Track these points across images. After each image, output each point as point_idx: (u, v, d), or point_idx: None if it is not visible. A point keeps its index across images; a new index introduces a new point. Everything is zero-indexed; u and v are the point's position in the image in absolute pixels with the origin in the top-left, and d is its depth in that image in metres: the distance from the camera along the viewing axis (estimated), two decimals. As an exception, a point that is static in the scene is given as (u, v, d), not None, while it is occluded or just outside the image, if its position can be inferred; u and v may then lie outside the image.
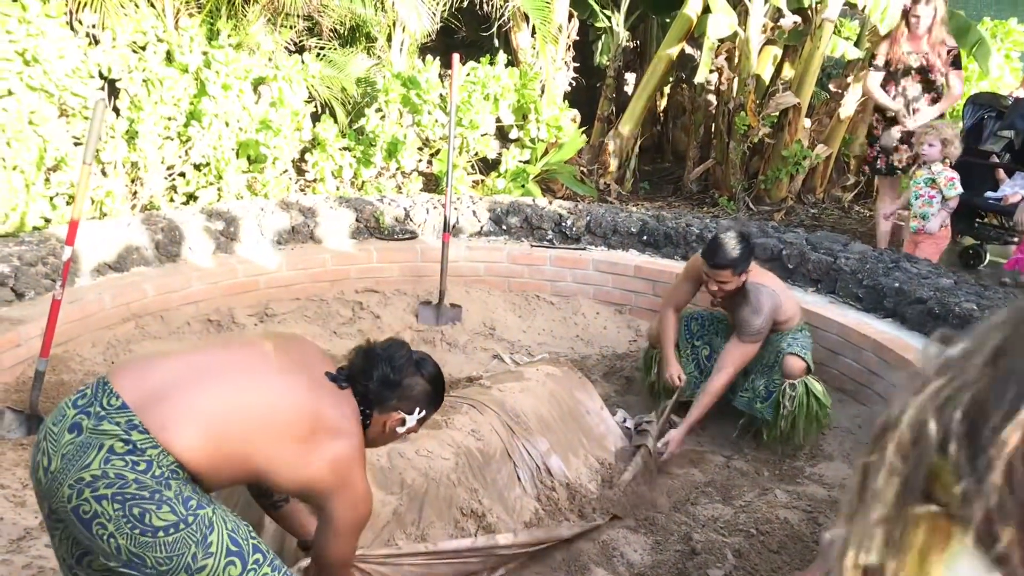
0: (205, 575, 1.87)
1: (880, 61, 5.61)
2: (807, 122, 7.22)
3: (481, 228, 5.40)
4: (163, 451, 1.86)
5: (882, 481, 0.39)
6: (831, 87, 7.38)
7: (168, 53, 5.60)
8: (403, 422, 2.25)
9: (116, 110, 5.42)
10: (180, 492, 1.87)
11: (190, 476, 1.91)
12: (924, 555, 0.36)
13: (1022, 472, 0.33)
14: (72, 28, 5.26)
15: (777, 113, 6.96)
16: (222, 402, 1.96)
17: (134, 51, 5.47)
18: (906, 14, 5.53)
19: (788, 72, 7.31)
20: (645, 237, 5.24)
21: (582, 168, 7.32)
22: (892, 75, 5.59)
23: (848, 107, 7.14)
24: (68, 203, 4.94)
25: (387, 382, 2.19)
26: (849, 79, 7.14)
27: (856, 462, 0.45)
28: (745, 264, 3.61)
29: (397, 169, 6.39)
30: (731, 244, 3.58)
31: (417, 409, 2.27)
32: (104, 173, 5.31)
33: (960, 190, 5.01)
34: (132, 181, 5.53)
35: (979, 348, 0.39)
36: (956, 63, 5.54)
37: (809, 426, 3.76)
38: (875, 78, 5.65)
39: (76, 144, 5.04)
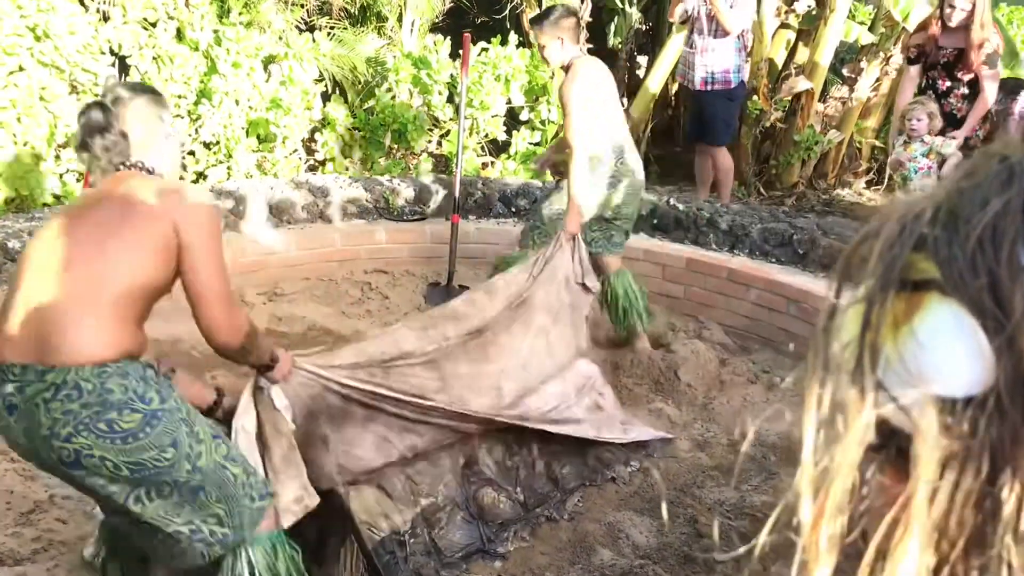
0: (203, 461, 1.93)
1: (913, 53, 5.33)
2: (820, 107, 7.16)
3: (491, 210, 5.39)
4: (75, 368, 1.84)
5: (863, 270, 0.48)
6: (845, 72, 7.32)
7: (179, 30, 5.58)
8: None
9: (126, 87, 5.41)
10: (127, 388, 1.86)
11: (120, 363, 1.88)
12: (899, 321, 0.46)
13: (987, 244, 0.43)
14: (83, 4, 5.25)
15: (790, 98, 6.91)
16: (66, 284, 1.90)
17: (144, 28, 5.46)
18: (942, 2, 5.09)
19: (801, 56, 7.24)
20: (655, 221, 5.22)
21: (592, 151, 7.28)
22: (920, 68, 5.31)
23: (861, 92, 7.08)
24: (78, 180, 4.94)
25: (99, 128, 2.04)
26: (863, 64, 7.07)
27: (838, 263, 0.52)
28: (550, 25, 3.82)
29: (407, 150, 6.38)
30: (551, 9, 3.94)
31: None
32: (114, 150, 5.31)
33: (953, 146, 4.99)
34: (142, 159, 5.53)
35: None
36: (992, 64, 5.03)
37: (631, 317, 4.12)
38: (910, 77, 5.35)
39: (86, 121, 5.03)
